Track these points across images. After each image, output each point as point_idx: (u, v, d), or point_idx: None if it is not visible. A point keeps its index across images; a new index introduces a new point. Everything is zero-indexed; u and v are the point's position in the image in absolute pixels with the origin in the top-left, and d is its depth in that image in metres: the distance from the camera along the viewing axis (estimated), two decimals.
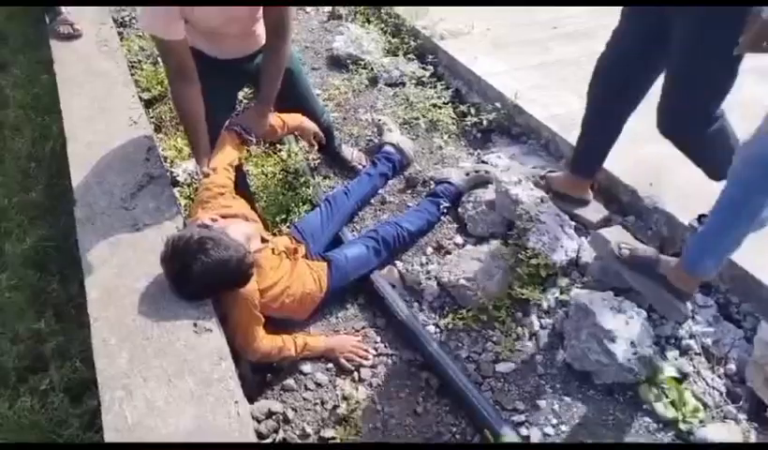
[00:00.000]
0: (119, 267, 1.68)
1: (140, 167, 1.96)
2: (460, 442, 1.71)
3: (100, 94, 2.32)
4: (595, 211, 2.27)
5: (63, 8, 2.83)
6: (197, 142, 1.94)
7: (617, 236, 2.08)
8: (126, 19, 3.42)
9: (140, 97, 2.69)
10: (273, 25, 1.93)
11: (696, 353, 1.86)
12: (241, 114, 2.02)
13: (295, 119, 2.18)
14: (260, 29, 2.03)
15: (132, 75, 2.83)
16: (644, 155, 2.36)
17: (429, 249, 2.23)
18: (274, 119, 2.08)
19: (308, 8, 3.74)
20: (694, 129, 1.88)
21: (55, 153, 2.79)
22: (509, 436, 1.65)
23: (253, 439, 1.33)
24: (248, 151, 2.57)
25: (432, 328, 1.98)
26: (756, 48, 1.49)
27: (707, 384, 1.79)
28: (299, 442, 1.73)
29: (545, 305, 2.00)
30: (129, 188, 1.88)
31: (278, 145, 2.60)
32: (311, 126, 2.22)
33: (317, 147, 2.31)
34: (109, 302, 1.60)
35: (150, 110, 2.78)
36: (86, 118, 2.20)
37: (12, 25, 3.90)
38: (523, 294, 2.00)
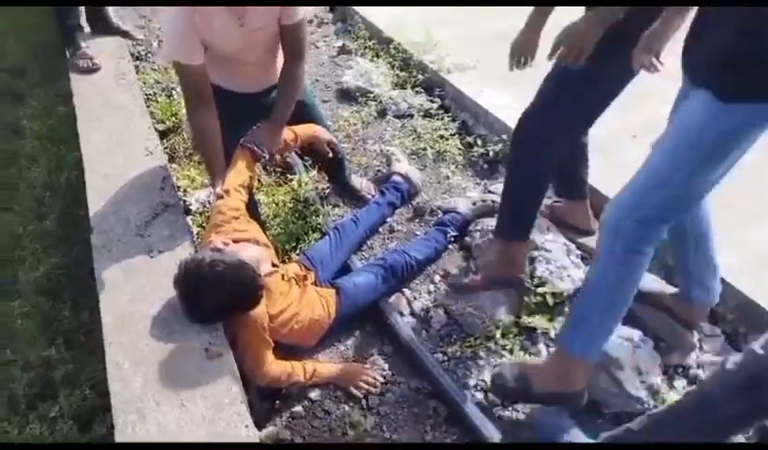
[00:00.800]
0: (133, 293, 1.73)
1: (156, 196, 2.03)
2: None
3: (118, 125, 2.42)
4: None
5: (82, 43, 2.95)
6: (212, 164, 2.01)
7: None
8: (142, 53, 3.55)
9: (155, 129, 2.78)
10: (289, 47, 2.03)
11: None
12: (253, 132, 2.07)
13: (308, 129, 2.23)
14: (278, 62, 2.12)
15: (148, 107, 2.93)
16: None
17: (437, 277, 2.27)
18: (287, 133, 2.14)
19: (319, 43, 3.87)
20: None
21: (70, 183, 2.87)
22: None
23: None
24: (259, 180, 2.64)
25: (440, 356, 2.01)
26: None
27: None
28: None
29: (553, 333, 2.03)
30: (144, 216, 1.94)
31: (289, 175, 2.67)
32: (325, 134, 2.28)
33: (331, 155, 2.35)
34: (123, 327, 1.65)
35: (164, 140, 2.86)
36: (104, 149, 2.28)
37: (32, 59, 4.05)
38: (530, 323, 2.03)
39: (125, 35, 3.31)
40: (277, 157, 2.24)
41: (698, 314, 1.92)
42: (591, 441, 1.64)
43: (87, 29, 3.19)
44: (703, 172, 1.45)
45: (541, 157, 1.92)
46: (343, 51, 3.72)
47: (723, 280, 2.00)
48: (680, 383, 1.88)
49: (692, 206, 1.66)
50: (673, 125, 1.53)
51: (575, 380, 1.64)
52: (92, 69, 2.83)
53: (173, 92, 3.22)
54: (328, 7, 4.22)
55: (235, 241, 1.81)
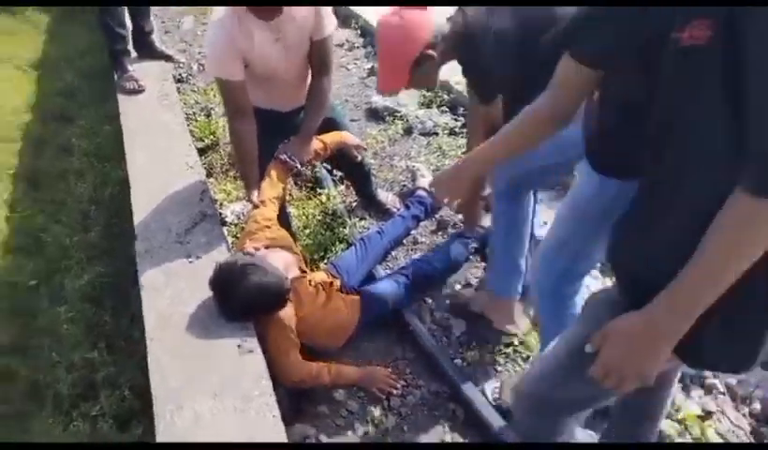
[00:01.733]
0: (173, 295, 1.88)
1: (195, 207, 2.19)
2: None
3: (161, 142, 2.61)
4: None
5: (129, 67, 3.18)
6: (248, 174, 2.17)
7: None
8: (184, 75, 3.79)
9: (195, 146, 2.97)
10: (317, 60, 2.20)
11: (720, 393, 1.92)
12: (285, 145, 2.22)
13: (335, 137, 2.37)
14: (308, 83, 2.28)
15: (188, 125, 3.13)
16: None
17: (458, 286, 2.37)
18: (316, 143, 2.28)
19: (350, 66, 4.05)
20: None
21: (114, 197, 3.07)
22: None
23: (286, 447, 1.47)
24: (291, 194, 2.80)
25: (459, 362, 2.10)
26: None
27: (731, 423, 1.84)
28: None
29: None
30: (184, 225, 2.10)
31: (318, 189, 2.82)
32: (352, 139, 2.42)
33: (360, 158, 2.48)
34: (163, 325, 1.79)
35: (203, 157, 3.05)
36: (148, 164, 2.47)
37: (82, 82, 4.34)
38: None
39: (168, 59, 3.54)
40: (308, 167, 2.37)
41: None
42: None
43: (134, 54, 3.43)
44: (597, 237, 1.49)
45: None
46: (372, 73, 3.88)
47: None
48: (696, 393, 1.92)
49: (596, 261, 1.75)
50: (569, 194, 1.60)
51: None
52: (137, 91, 3.05)
53: (212, 112, 3.43)
54: (359, 32, 4.40)
55: (267, 247, 1.95)
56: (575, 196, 1.56)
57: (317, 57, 2.21)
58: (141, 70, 3.21)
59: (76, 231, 2.94)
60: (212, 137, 3.19)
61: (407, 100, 3.45)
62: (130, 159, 2.53)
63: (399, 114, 3.36)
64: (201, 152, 3.10)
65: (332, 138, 2.35)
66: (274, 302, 1.81)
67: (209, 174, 2.96)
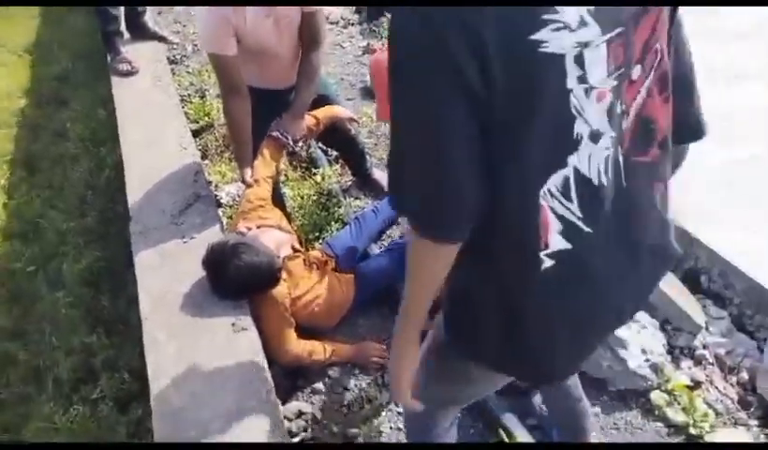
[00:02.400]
0: (168, 275, 1.92)
1: (189, 188, 2.22)
2: (476, 442, 1.85)
3: (154, 124, 2.63)
4: None
5: (122, 48, 3.18)
6: (242, 153, 2.19)
7: None
8: (178, 57, 3.78)
9: (189, 128, 2.99)
10: (307, 34, 2.21)
11: (709, 363, 1.96)
12: (277, 122, 2.23)
13: (327, 111, 2.37)
14: None
15: (182, 107, 3.14)
16: None
17: None
18: (308, 119, 2.29)
19: (345, 44, 4.03)
20: None
21: (110, 182, 3.09)
22: (523, 435, 1.78)
23: (280, 420, 1.52)
24: (286, 175, 2.82)
25: None
26: None
27: (719, 392, 1.88)
28: (326, 441, 1.89)
29: None
30: (179, 206, 2.13)
31: (313, 169, 2.84)
32: (345, 113, 2.43)
33: (353, 132, 2.49)
34: (158, 305, 1.84)
35: (197, 139, 3.07)
36: (141, 145, 2.49)
37: (76, 65, 4.35)
38: None
39: (161, 39, 3.54)
40: (302, 143, 2.38)
41: None
42: None
43: (127, 35, 3.43)
44: None
45: None
46: (367, 50, 3.87)
47: (730, 264, 2.08)
48: (686, 364, 1.96)
49: None
50: None
51: None
52: (131, 73, 3.06)
53: (206, 93, 3.43)
54: (354, 8, 4.38)
55: (259, 227, 1.98)
56: None
57: (308, 31, 2.21)
58: (134, 51, 3.22)
59: (72, 216, 2.97)
60: (206, 118, 3.20)
61: None
62: (124, 141, 2.55)
63: None
64: (196, 133, 3.11)
65: (324, 113, 2.36)
66: (266, 281, 1.85)
67: (204, 156, 2.97)
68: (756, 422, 1.79)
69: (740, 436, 1.74)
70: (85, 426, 2.03)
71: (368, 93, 3.46)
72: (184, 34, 4.06)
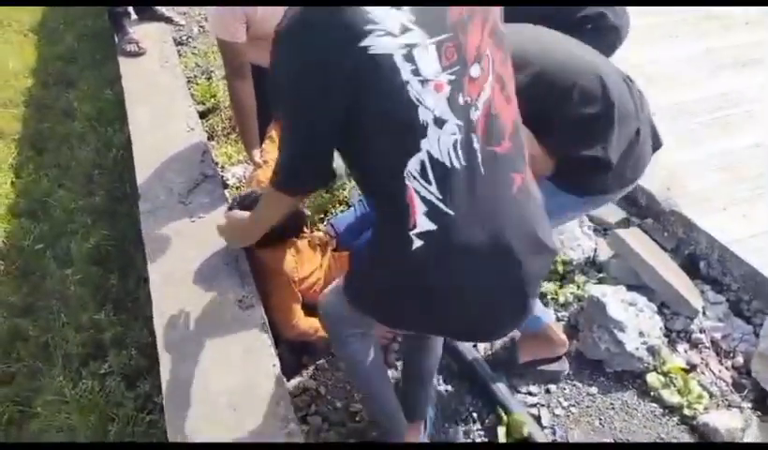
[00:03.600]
0: (177, 253, 1.96)
1: (196, 167, 2.25)
2: (475, 420, 1.90)
3: (162, 105, 2.66)
4: (613, 213, 2.43)
5: (130, 29, 3.20)
6: (249, 135, 2.22)
7: (634, 237, 2.25)
8: (184, 38, 3.80)
9: (196, 109, 3.02)
10: None
11: (705, 347, 2.00)
12: None
13: None
14: None
15: (189, 89, 3.17)
16: (663, 160, 2.51)
17: None
18: None
19: None
20: None
21: (117, 161, 3.13)
22: (521, 414, 1.83)
23: (287, 393, 1.57)
24: None
25: None
26: None
27: (714, 375, 1.93)
28: (329, 417, 1.94)
29: (562, 299, 2.17)
30: (186, 186, 2.17)
31: None
32: None
33: None
34: (167, 281, 1.88)
35: (203, 120, 3.10)
36: (149, 125, 2.53)
37: (82, 45, 4.37)
38: (541, 289, 2.18)
39: (168, 21, 3.55)
40: None
41: None
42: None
43: (134, 16, 3.45)
44: None
45: None
46: None
47: (728, 250, 2.12)
48: (682, 347, 2.01)
49: None
50: None
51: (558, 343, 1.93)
52: (138, 53, 3.08)
53: (212, 75, 3.46)
54: None
55: None
56: None
57: None
58: (141, 32, 3.23)
59: (80, 195, 3.02)
60: (213, 100, 3.23)
61: None
62: (132, 121, 2.58)
63: None
64: (202, 115, 3.15)
65: None
66: (294, 225, 1.87)
67: (210, 137, 3.01)
68: (749, 405, 1.83)
69: (733, 418, 1.78)
70: (94, 399, 2.09)
71: None
72: (191, 15, 4.07)
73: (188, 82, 3.30)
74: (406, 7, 0.99)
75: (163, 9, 3.56)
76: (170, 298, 1.82)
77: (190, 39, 3.80)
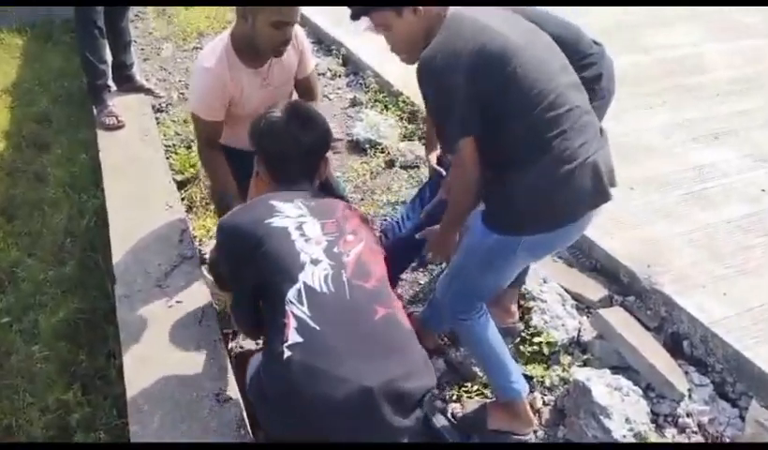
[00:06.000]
0: (152, 340, 1.94)
1: (174, 248, 2.26)
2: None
3: (140, 179, 2.68)
4: (596, 290, 2.48)
5: (109, 101, 3.25)
6: (223, 200, 2.17)
7: (617, 317, 2.30)
8: (164, 105, 3.86)
9: (174, 179, 3.04)
10: (304, 93, 2.32)
11: (693, 432, 2.02)
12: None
13: None
14: None
15: (167, 158, 3.20)
16: (643, 236, 2.60)
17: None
18: None
19: (331, 96, 4.15)
20: None
21: (89, 229, 3.10)
22: None
23: None
24: None
25: (438, 403, 2.17)
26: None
27: None
28: None
29: (548, 382, 2.19)
30: (164, 268, 2.17)
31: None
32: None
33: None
34: (142, 370, 1.86)
35: (182, 191, 3.12)
36: (127, 202, 2.54)
37: (57, 107, 4.38)
38: (526, 372, 2.19)
39: (148, 92, 3.62)
40: None
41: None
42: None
43: (114, 88, 3.50)
44: (483, 280, 1.84)
45: None
46: (354, 103, 3.99)
47: (712, 332, 2.17)
48: (669, 432, 2.02)
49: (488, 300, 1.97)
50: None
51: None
52: (118, 127, 3.12)
53: (192, 144, 3.50)
54: (340, 61, 4.52)
55: None
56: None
57: (304, 93, 2.32)
58: (120, 103, 3.28)
59: (51, 264, 2.97)
60: (192, 170, 3.26)
61: (389, 133, 3.55)
62: (110, 198, 2.59)
63: (381, 146, 3.46)
64: (181, 185, 3.16)
65: None
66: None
67: (189, 209, 3.02)
68: None
69: None
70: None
71: (354, 146, 3.56)
72: (170, 81, 4.15)
73: (167, 151, 3.34)
74: (304, 206, 1.53)
75: (143, 81, 3.63)
76: (145, 389, 1.80)
77: (170, 106, 3.86)
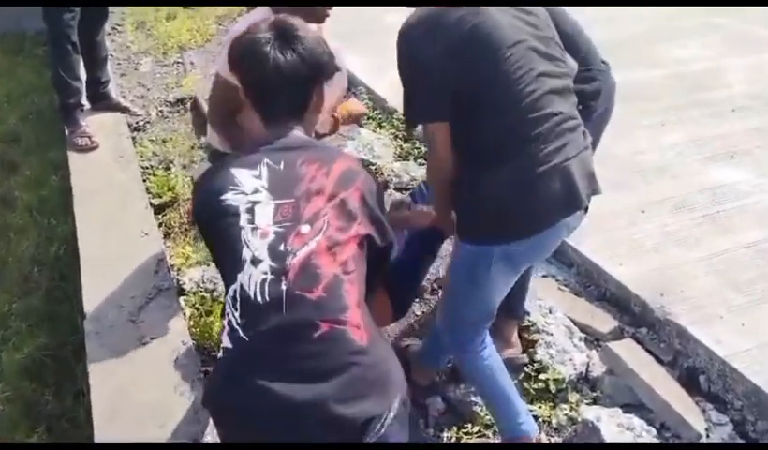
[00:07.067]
0: (124, 381, 1.94)
1: (150, 280, 2.27)
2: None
3: (115, 205, 2.69)
4: (605, 321, 2.49)
5: (82, 121, 3.27)
6: None
7: (628, 351, 2.30)
8: (141, 124, 3.87)
9: (152, 204, 3.05)
10: None
11: None
12: None
13: (342, 110, 2.42)
14: None
15: (144, 181, 3.21)
16: (655, 262, 2.61)
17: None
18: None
19: None
20: None
21: (59, 257, 3.10)
22: None
23: None
24: None
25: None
26: None
27: None
28: None
29: (555, 422, 2.18)
30: (138, 302, 2.17)
31: None
32: (358, 107, 2.57)
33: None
34: (113, 416, 1.85)
35: (160, 215, 3.12)
36: (100, 230, 2.55)
37: (27, 125, 4.40)
38: (532, 411, 2.19)
39: (125, 110, 3.64)
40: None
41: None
42: None
43: (87, 106, 3.53)
44: (470, 298, 1.84)
45: None
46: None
47: (730, 366, 2.17)
48: None
49: (485, 324, 1.94)
50: None
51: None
52: (91, 148, 3.13)
53: (171, 165, 3.51)
54: None
55: None
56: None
57: None
58: (94, 123, 3.30)
59: (16, 295, 2.96)
60: (170, 193, 3.25)
61: (383, 152, 3.58)
62: (80, 224, 2.60)
63: (374, 167, 3.48)
64: (159, 209, 3.16)
65: (341, 112, 2.42)
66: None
67: (167, 235, 3.02)
68: None
69: None
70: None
71: None
72: (149, 99, 4.17)
73: (144, 172, 3.35)
74: (265, 176, 1.39)
75: (119, 98, 3.66)
76: (116, 437, 1.79)
77: (148, 125, 3.87)
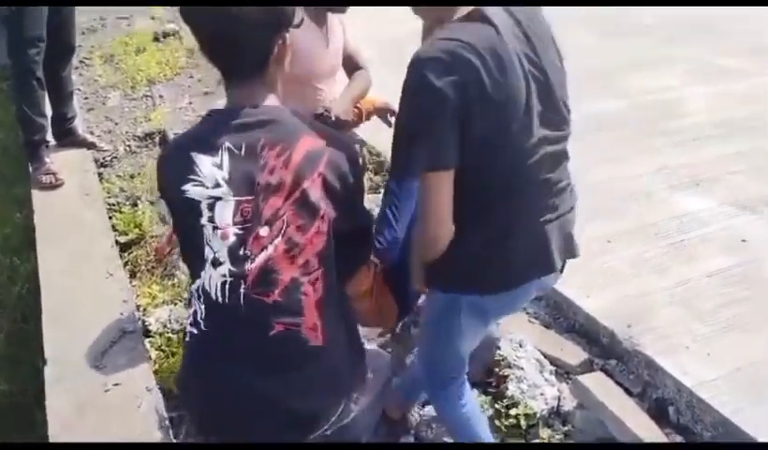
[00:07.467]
0: (85, 431, 1.89)
1: (114, 323, 2.23)
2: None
3: (79, 244, 2.66)
4: (575, 353, 2.51)
5: (47, 158, 3.23)
6: None
7: (598, 384, 2.32)
8: (108, 159, 3.85)
9: (117, 241, 3.02)
10: (354, 56, 2.47)
11: None
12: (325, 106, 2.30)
13: (367, 103, 2.47)
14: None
15: (110, 218, 3.18)
16: (622, 293, 2.66)
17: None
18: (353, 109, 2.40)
19: None
20: None
21: (22, 297, 3.02)
22: None
23: None
24: None
25: None
26: None
27: None
28: None
29: None
30: (101, 345, 2.13)
31: None
32: (382, 103, 2.53)
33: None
34: None
35: (126, 253, 3.08)
36: (63, 270, 2.51)
37: None
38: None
39: (91, 146, 3.62)
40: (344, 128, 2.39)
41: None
42: None
43: (53, 142, 3.50)
44: (442, 345, 1.84)
45: None
46: None
47: (698, 397, 2.20)
48: None
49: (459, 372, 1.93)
50: None
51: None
52: (55, 186, 3.10)
53: (138, 201, 3.49)
54: None
55: None
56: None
57: (350, 62, 2.44)
58: (60, 159, 3.27)
59: None
60: (137, 231, 3.23)
61: None
62: (43, 263, 2.56)
63: None
64: (125, 247, 3.13)
65: (364, 105, 2.47)
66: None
67: (132, 274, 2.98)
68: None
69: None
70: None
71: None
72: (116, 133, 4.16)
73: (111, 209, 3.32)
74: (226, 166, 1.34)
75: (85, 134, 3.63)
76: None
77: (115, 160, 3.85)
